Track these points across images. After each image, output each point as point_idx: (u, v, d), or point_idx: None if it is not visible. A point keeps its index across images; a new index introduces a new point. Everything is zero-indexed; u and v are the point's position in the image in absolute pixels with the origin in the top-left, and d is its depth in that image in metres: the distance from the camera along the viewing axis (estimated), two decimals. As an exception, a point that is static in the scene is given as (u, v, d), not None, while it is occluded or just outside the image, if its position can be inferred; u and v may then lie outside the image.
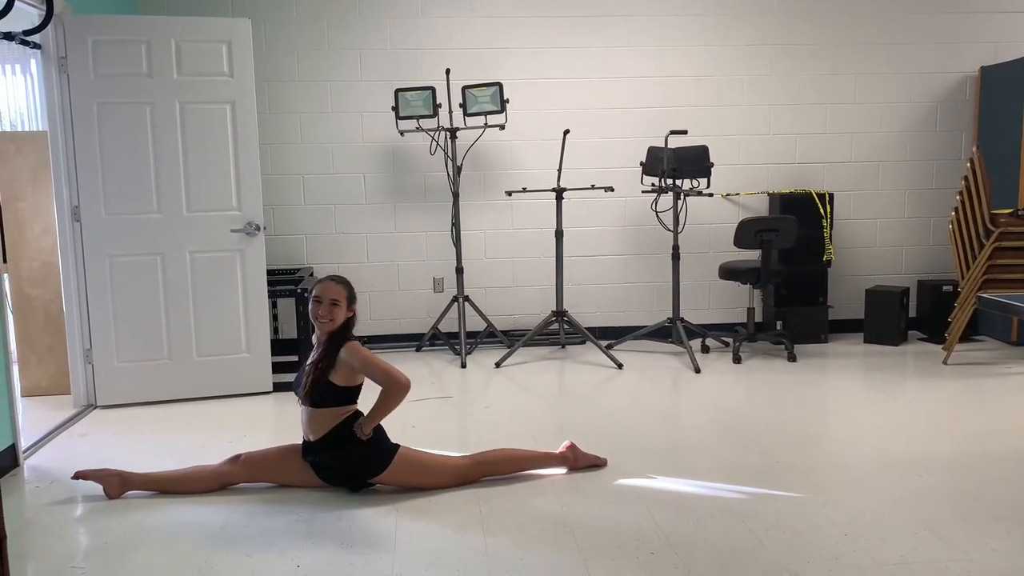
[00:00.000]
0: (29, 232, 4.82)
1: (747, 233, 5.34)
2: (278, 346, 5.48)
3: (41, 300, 4.85)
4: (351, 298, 3.34)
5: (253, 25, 5.49)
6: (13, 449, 3.70)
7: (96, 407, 4.64)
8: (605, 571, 2.63)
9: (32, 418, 4.43)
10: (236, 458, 3.37)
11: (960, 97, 6.07)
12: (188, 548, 2.85)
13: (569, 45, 5.84)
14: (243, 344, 4.81)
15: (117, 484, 3.28)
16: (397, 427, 3.95)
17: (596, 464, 3.51)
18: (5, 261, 4.69)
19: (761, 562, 2.67)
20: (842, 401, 4.49)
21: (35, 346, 4.89)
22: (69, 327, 4.63)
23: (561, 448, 3.51)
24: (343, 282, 3.34)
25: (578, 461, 3.48)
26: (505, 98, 5.40)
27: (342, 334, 3.29)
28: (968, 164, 5.14)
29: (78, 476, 3.28)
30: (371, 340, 5.92)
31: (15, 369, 4.72)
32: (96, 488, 3.33)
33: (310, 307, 3.28)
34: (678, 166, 5.44)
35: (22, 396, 4.84)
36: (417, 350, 5.90)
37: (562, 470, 3.46)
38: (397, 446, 3.28)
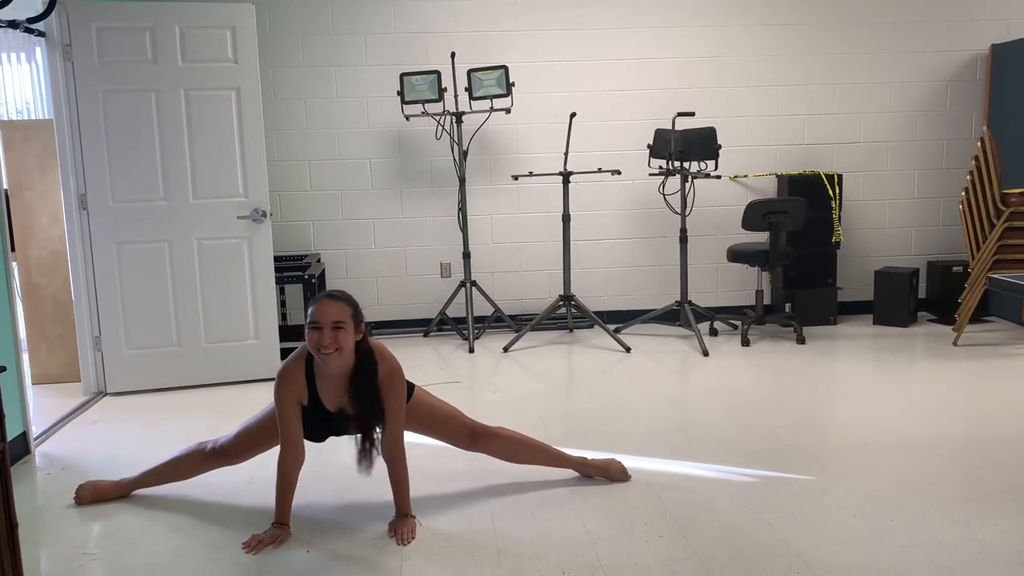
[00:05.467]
0: (37, 221, 4.83)
1: (755, 215, 5.31)
2: (286, 332, 5.50)
3: (50, 289, 4.87)
4: (357, 316, 2.71)
5: (257, 10, 5.48)
6: (24, 437, 3.72)
7: (106, 394, 4.67)
8: (614, 554, 2.63)
9: (43, 406, 4.47)
10: (220, 451, 3.06)
11: (971, 76, 6.00)
12: (198, 534, 2.87)
13: (575, 27, 5.80)
14: (251, 330, 4.82)
15: (108, 491, 3.20)
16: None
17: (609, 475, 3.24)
18: (13, 250, 4.72)
19: (770, 544, 2.67)
20: (851, 383, 4.48)
21: (45, 334, 4.91)
22: (78, 315, 4.64)
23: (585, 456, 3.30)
24: (344, 298, 2.70)
25: (590, 469, 3.26)
26: (511, 81, 5.37)
27: (365, 363, 2.75)
28: (979, 143, 5.10)
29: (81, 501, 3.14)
30: (379, 326, 5.93)
31: (25, 357, 4.74)
32: (108, 476, 3.35)
33: (308, 336, 2.66)
34: (685, 148, 5.41)
35: (32, 384, 4.87)
36: (425, 335, 5.91)
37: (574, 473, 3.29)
38: (414, 385, 3.07)
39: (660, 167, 5.56)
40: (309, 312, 2.68)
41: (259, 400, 4.50)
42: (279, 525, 2.80)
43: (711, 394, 4.33)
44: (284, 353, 4.99)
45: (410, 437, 3.69)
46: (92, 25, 4.44)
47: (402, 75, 5.39)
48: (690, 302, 5.60)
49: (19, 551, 2.19)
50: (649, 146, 5.66)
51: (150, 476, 3.18)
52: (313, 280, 5.04)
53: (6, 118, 6.13)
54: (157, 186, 4.61)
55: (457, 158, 5.57)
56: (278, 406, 2.78)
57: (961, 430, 3.68)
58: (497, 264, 6.00)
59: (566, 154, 5.49)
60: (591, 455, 3.45)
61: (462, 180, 5.57)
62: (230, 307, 4.77)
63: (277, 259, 5.36)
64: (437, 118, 5.59)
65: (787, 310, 5.86)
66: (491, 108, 5.47)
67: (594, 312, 5.76)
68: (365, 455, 2.81)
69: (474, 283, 5.70)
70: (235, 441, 3.05)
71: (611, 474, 3.22)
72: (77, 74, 4.45)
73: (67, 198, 4.56)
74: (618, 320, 5.99)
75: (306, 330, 2.68)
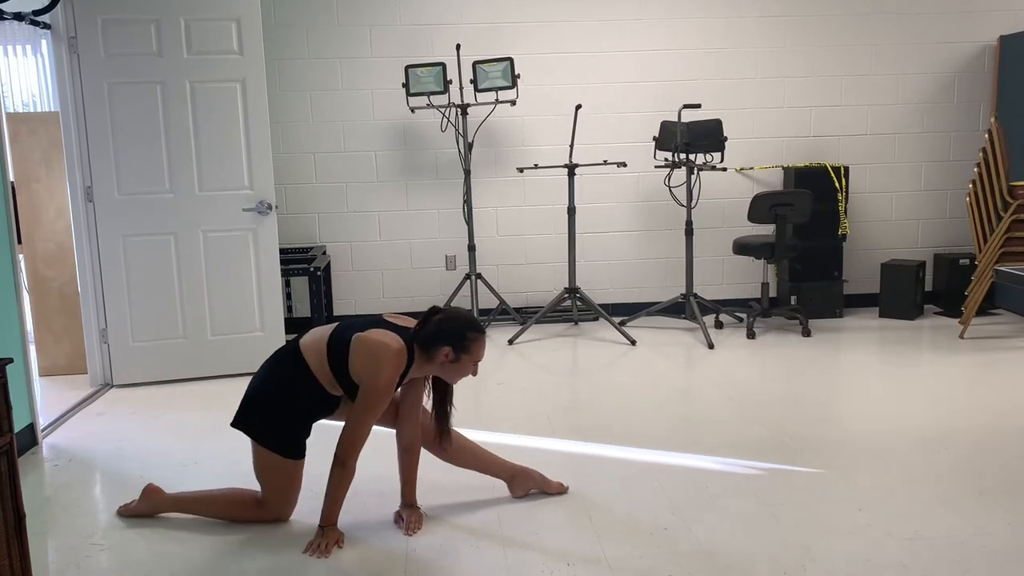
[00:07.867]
0: (44, 214, 4.84)
1: (761, 207, 5.29)
2: (292, 324, 5.51)
3: (57, 281, 4.88)
4: None
5: (262, 2, 5.47)
6: (32, 428, 3.74)
7: (112, 386, 4.68)
8: (619, 547, 2.63)
9: (49, 398, 4.48)
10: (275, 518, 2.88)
11: (979, 67, 5.97)
12: (206, 526, 2.88)
13: (581, 19, 5.78)
14: (257, 322, 4.83)
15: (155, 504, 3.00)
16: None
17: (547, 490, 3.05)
18: (20, 242, 4.73)
19: (776, 537, 2.66)
20: (857, 376, 4.47)
21: (51, 326, 4.93)
22: (84, 307, 4.65)
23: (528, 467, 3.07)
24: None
25: (524, 484, 3.02)
26: (516, 73, 5.36)
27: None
28: (986, 135, 5.07)
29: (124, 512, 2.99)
30: (384, 318, 5.93)
31: (32, 349, 4.76)
32: (115, 467, 3.36)
33: (463, 364, 2.69)
34: (691, 140, 5.40)
35: (39, 376, 4.89)
36: (430, 328, 5.90)
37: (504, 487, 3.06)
38: None
39: (666, 159, 5.55)
40: (473, 347, 2.66)
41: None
42: (332, 527, 2.69)
43: (716, 387, 4.33)
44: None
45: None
46: (97, 17, 4.43)
47: (407, 67, 5.38)
48: (695, 295, 5.59)
49: (27, 542, 2.20)
50: (655, 138, 5.64)
51: (201, 505, 2.93)
52: (319, 272, 5.05)
53: (12, 111, 6.14)
54: (163, 178, 4.61)
55: (462, 150, 5.56)
56: (376, 409, 2.62)
57: (968, 423, 3.67)
58: (502, 257, 6.00)
59: (571, 146, 5.48)
60: (595, 448, 3.46)
61: (467, 172, 5.56)
62: (235, 299, 4.78)
63: (282, 251, 5.37)
64: (442, 110, 5.58)
65: (793, 303, 5.85)
66: (496, 100, 5.46)
67: (599, 305, 5.76)
68: (442, 435, 2.84)
69: (479, 276, 5.70)
70: (279, 509, 2.86)
71: (548, 488, 3.04)
72: (83, 66, 4.45)
73: (73, 190, 4.56)
74: (623, 313, 5.98)
75: (462, 353, 2.65)
